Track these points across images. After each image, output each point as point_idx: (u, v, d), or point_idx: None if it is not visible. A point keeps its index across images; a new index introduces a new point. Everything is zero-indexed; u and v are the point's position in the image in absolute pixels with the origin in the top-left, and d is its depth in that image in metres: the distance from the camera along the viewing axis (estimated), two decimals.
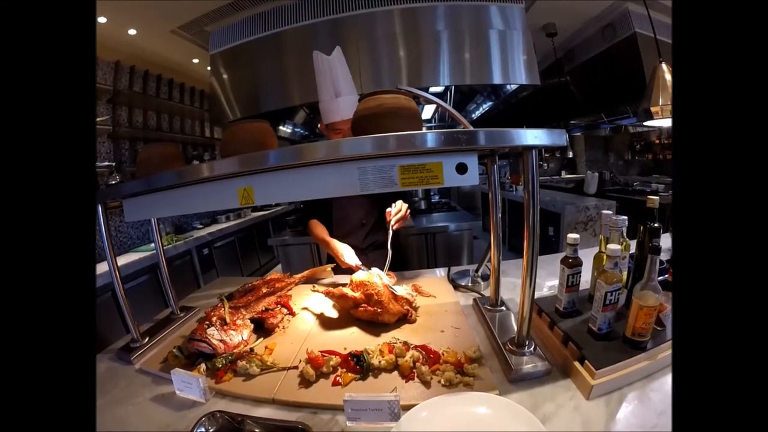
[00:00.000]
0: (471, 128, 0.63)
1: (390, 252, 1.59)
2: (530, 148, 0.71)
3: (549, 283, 1.45)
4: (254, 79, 3.10)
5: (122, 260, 3.12)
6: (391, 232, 1.64)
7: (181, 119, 4.94)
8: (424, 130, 0.69)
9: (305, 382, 0.93)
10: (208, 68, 3.35)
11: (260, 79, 3.06)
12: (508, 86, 3.90)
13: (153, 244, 3.58)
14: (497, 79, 2.93)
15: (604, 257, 1.11)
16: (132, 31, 3.48)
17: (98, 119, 3.63)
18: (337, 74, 1.48)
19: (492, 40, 2.89)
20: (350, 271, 1.57)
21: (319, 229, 1.86)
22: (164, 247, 3.49)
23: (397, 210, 1.68)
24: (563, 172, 8.47)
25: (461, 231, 3.26)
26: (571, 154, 6.46)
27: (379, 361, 0.95)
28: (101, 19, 3.12)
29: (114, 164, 3.68)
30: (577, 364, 0.89)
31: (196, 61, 4.31)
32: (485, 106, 4.47)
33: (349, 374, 0.94)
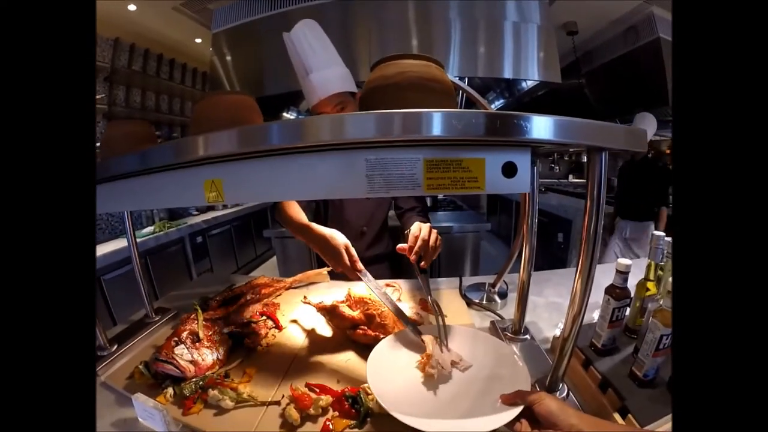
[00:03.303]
0: (532, 114, 0.44)
1: (430, 295, 1.04)
2: (602, 149, 0.53)
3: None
4: (258, 61, 2.92)
5: (113, 245, 2.99)
6: (417, 268, 1.15)
7: (182, 101, 4.78)
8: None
9: (288, 425, 0.75)
10: (210, 48, 3.16)
11: (265, 60, 2.89)
12: (524, 83, 3.73)
13: (146, 229, 3.46)
14: (508, 74, 2.75)
15: (651, 286, 0.94)
16: (132, 7, 3.31)
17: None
18: (303, 48, 1.17)
19: (506, 31, 2.71)
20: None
21: (294, 210, 1.38)
22: (156, 234, 3.39)
23: (415, 237, 1.17)
24: (570, 176, 8.25)
25: (466, 233, 3.07)
26: (585, 158, 6.26)
27: (380, 405, 0.76)
28: None
29: None
30: (617, 416, 0.74)
31: (198, 40, 4.13)
32: (497, 104, 4.29)
33: (343, 420, 0.75)
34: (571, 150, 0.57)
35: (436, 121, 0.42)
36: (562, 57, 4.28)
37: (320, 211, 1.56)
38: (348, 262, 1.14)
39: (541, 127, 0.42)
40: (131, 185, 0.70)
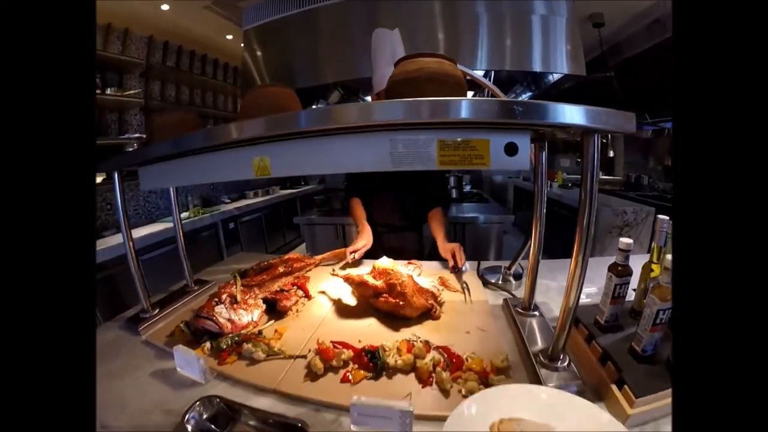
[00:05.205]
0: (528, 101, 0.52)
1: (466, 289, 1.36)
2: (593, 131, 0.60)
3: (586, 289, 1.32)
4: (287, 56, 3.02)
5: (149, 229, 3.18)
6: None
7: (214, 95, 4.96)
8: None
9: (312, 375, 0.86)
10: (242, 44, 3.29)
11: (294, 55, 2.98)
12: (550, 76, 3.70)
13: (182, 215, 3.64)
14: (537, 67, 2.73)
15: (656, 268, 0.98)
16: (165, 7, 3.48)
17: (131, 92, 3.66)
18: (396, 46, 1.52)
19: (534, 25, 2.71)
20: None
21: (359, 210, 1.88)
22: (191, 219, 3.58)
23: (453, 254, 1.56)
24: (599, 173, 8.08)
25: (490, 224, 3.12)
26: (611, 153, 6.07)
27: (396, 361, 0.86)
28: None
29: (145, 136, 3.70)
30: (614, 387, 0.78)
31: (229, 37, 4.28)
32: (524, 97, 4.27)
33: (361, 371, 0.85)
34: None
35: (447, 107, 0.51)
36: (588, 50, 4.24)
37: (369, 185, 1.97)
38: (351, 248, 1.62)
39: (534, 110, 0.51)
40: (190, 162, 0.82)
